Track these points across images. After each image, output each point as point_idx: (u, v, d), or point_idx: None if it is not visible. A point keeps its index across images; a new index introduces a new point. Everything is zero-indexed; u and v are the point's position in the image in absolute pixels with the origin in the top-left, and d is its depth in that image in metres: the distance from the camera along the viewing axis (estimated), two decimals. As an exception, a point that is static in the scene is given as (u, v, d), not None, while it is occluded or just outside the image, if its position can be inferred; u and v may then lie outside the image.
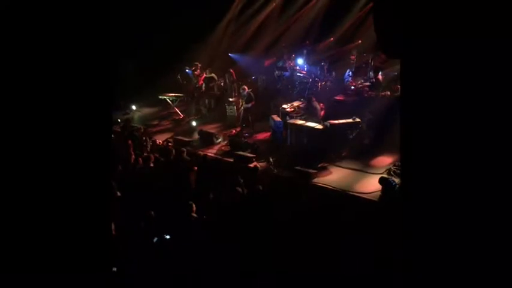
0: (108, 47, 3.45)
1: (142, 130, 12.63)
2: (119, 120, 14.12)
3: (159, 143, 11.75)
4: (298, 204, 7.84)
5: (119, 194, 8.14)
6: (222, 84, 14.92)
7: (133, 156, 9.90)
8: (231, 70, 14.52)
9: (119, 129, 12.49)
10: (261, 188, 8.18)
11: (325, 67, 13.61)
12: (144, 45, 15.27)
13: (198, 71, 14.66)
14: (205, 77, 14.59)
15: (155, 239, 7.02)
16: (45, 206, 3.12)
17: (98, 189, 3.31)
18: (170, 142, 11.90)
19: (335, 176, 9.58)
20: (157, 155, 10.23)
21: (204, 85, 14.53)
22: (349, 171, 9.77)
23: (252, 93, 12.82)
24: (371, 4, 11.54)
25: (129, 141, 10.49)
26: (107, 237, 3.48)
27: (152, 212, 7.38)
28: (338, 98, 12.44)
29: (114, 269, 5.83)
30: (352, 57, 13.49)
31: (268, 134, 11.98)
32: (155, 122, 14.36)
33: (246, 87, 12.92)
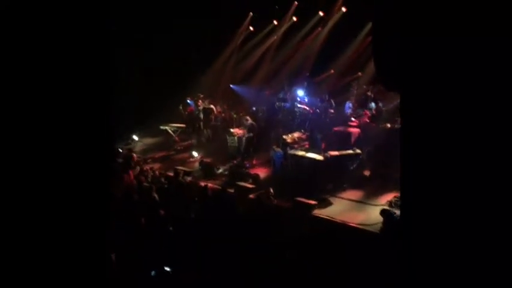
0: (108, 50, 3.46)
1: (145, 160, 12.69)
2: (120, 150, 14.18)
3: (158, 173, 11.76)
4: (299, 235, 7.78)
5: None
6: (223, 115, 15.08)
7: (134, 183, 9.92)
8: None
9: (121, 160, 12.50)
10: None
11: (326, 99, 13.76)
12: (145, 75, 15.48)
13: (200, 101, 14.81)
14: (204, 108, 14.73)
15: (153, 272, 6.95)
16: (41, 216, 3.09)
17: (96, 201, 3.28)
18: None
19: (336, 208, 9.52)
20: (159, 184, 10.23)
21: (203, 116, 14.66)
22: (350, 202, 9.72)
23: (254, 123, 12.92)
24: (370, 37, 11.76)
25: (131, 172, 10.51)
26: (103, 264, 3.43)
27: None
28: (338, 129, 12.52)
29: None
30: (354, 89, 13.67)
31: (269, 164, 11.99)
32: (156, 153, 14.41)
33: (248, 118, 13.04)
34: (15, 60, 3.12)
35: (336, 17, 15.12)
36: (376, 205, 9.20)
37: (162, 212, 8.75)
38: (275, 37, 16.37)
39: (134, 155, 13.10)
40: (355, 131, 12.09)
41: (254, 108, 14.95)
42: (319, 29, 15.56)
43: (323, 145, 11.76)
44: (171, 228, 8.10)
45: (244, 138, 12.96)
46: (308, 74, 15.23)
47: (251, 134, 12.75)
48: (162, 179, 10.95)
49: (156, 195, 9.04)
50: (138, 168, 11.35)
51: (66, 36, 3.21)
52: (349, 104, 13.18)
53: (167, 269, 7.06)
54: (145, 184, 10.00)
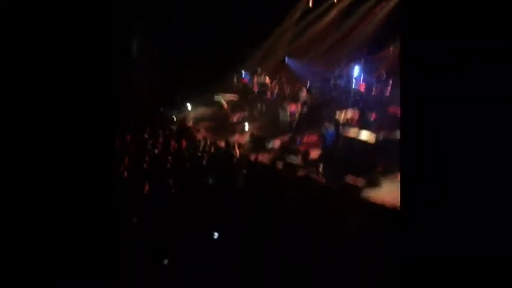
0: (108, 49, 3.49)
1: (198, 129, 12.94)
2: (174, 117, 14.54)
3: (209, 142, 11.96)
4: (345, 217, 7.80)
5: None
6: (276, 88, 15.03)
7: (185, 155, 10.19)
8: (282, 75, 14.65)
9: (175, 128, 12.85)
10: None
11: (383, 78, 13.41)
12: (203, 45, 15.62)
13: (256, 75, 14.82)
14: (258, 81, 14.73)
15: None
16: (43, 211, 3.21)
17: (98, 192, 3.37)
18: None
19: (385, 191, 9.42)
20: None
21: (256, 88, 14.68)
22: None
23: (308, 99, 12.85)
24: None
25: (183, 141, 10.78)
26: (107, 244, 3.51)
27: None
28: (393, 110, 12.22)
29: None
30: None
31: (320, 142, 11.94)
32: (208, 122, 14.64)
33: (305, 90, 12.95)
34: (16, 57, 3.20)
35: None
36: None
37: (210, 181, 9.00)
38: (335, 12, 15.97)
39: (188, 123, 13.47)
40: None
41: (308, 84, 14.80)
42: (383, 3, 15.04)
43: (375, 125, 11.54)
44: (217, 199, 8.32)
45: (297, 114, 12.92)
46: (366, 51, 14.84)
47: (305, 109, 12.69)
48: (213, 149, 11.18)
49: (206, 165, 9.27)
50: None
51: (66, 33, 3.26)
52: (406, 85, 12.78)
53: (215, 234, 7.34)
54: (197, 154, 10.25)
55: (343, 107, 12.81)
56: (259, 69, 14.93)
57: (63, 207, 3.30)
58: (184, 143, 10.73)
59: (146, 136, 11.28)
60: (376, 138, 10.33)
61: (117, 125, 6.56)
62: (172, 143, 10.76)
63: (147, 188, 8.23)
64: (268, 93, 14.80)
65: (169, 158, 9.73)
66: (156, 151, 10.37)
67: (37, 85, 3.29)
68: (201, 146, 11.32)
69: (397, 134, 10.48)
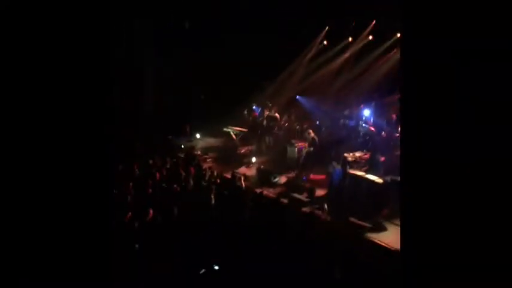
0: (108, 50, 3.50)
1: (205, 159, 12.97)
2: (183, 146, 14.61)
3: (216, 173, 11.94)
4: (348, 255, 7.65)
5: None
6: (285, 124, 15.12)
7: (191, 184, 10.14)
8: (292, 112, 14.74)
9: (183, 156, 12.88)
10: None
11: (392, 121, 13.46)
12: (214, 76, 15.85)
13: (267, 109, 14.94)
14: (268, 116, 14.82)
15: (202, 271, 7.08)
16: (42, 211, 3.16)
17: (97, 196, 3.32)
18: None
19: (390, 234, 9.26)
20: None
21: (266, 123, 14.75)
22: (406, 231, 9.42)
23: (316, 138, 12.86)
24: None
25: (191, 169, 10.76)
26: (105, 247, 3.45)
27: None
28: (402, 154, 12.21)
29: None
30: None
31: (326, 180, 11.88)
32: (216, 153, 14.67)
33: (311, 131, 13.00)
34: (16, 59, 3.22)
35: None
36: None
37: (215, 212, 8.92)
38: (348, 54, 16.22)
39: (196, 152, 13.50)
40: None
41: (318, 123, 14.88)
42: (394, 50, 15.25)
43: (383, 168, 11.48)
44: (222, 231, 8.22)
45: (304, 151, 12.93)
46: (377, 94, 14.96)
47: (311, 148, 12.71)
48: (218, 180, 11.14)
49: (212, 197, 9.20)
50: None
51: (66, 36, 3.28)
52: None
53: (216, 267, 7.19)
54: (203, 183, 10.20)
55: (352, 147, 12.81)
56: (269, 104, 15.06)
57: (59, 208, 3.26)
58: (192, 171, 10.71)
59: (151, 162, 11.29)
60: (384, 180, 10.23)
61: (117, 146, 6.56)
62: (180, 170, 10.74)
63: (151, 213, 8.15)
64: (277, 129, 14.87)
65: (175, 186, 9.69)
66: (160, 177, 10.34)
67: (36, 87, 3.28)
68: (207, 175, 11.30)
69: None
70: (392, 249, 8.63)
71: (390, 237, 9.13)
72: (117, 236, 7.24)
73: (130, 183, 9.40)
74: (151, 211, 8.16)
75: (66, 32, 3.31)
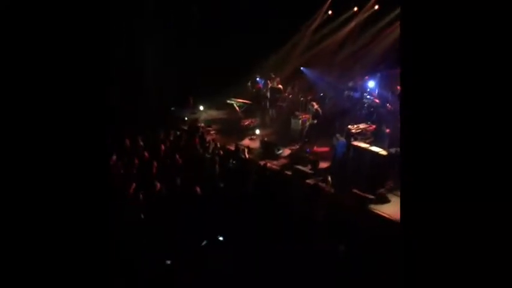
0: (107, 49, 3.47)
1: (209, 131, 12.95)
2: (186, 118, 14.56)
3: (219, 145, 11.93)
4: (352, 228, 7.70)
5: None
6: (289, 96, 15.01)
7: (201, 151, 10.17)
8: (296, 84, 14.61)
9: (187, 128, 12.85)
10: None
11: (397, 93, 13.33)
12: (219, 48, 15.67)
13: (270, 81, 14.81)
14: (271, 87, 14.71)
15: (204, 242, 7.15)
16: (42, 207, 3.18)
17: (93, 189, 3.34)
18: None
19: (393, 206, 9.30)
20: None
21: (270, 95, 14.65)
22: (409, 202, 9.46)
23: (319, 110, 12.79)
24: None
25: (197, 140, 10.77)
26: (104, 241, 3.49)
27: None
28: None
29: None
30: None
31: (330, 152, 11.86)
32: (220, 125, 14.64)
33: (314, 104, 12.91)
34: (16, 58, 3.19)
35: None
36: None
37: (220, 184, 8.95)
38: (353, 24, 15.95)
39: (199, 124, 13.45)
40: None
41: (322, 94, 14.76)
42: (399, 22, 14.97)
43: (388, 140, 11.43)
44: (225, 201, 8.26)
45: (308, 123, 12.89)
46: (382, 65, 14.76)
47: (315, 121, 12.65)
48: (222, 152, 11.14)
49: (217, 168, 9.21)
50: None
51: (66, 32, 3.24)
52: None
53: (220, 238, 7.27)
54: (207, 155, 10.20)
55: (357, 118, 12.74)
56: (273, 76, 14.91)
57: (57, 206, 3.28)
58: (197, 140, 10.71)
59: (157, 135, 11.26)
60: (388, 152, 10.19)
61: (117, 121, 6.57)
62: (183, 141, 10.74)
63: (158, 186, 8.17)
64: (281, 101, 14.78)
65: (178, 156, 9.68)
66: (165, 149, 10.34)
67: (36, 85, 3.27)
68: (211, 147, 11.29)
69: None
70: (394, 220, 8.70)
71: (392, 208, 9.18)
72: (122, 209, 7.31)
73: (136, 158, 9.40)
74: (158, 184, 8.18)
75: (66, 31, 3.30)
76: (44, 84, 3.21)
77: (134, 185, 8.18)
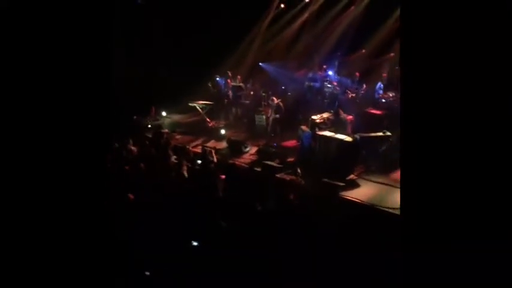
0: (108, 49, 3.45)
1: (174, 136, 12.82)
2: (149, 125, 14.34)
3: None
4: (326, 217, 7.76)
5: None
6: (251, 93, 15.01)
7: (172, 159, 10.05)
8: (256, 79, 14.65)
9: (151, 136, 12.66)
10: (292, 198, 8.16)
11: (356, 79, 13.54)
12: (175, 52, 15.51)
13: (230, 79, 14.76)
14: (233, 86, 14.67)
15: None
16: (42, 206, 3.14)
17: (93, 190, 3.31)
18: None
19: (363, 190, 9.45)
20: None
21: (232, 94, 14.61)
22: (378, 185, 9.62)
23: (281, 104, 12.83)
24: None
25: (163, 147, 10.64)
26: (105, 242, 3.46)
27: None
28: (369, 110, 12.34)
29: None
30: (384, 75, 13.39)
31: (297, 144, 11.92)
32: (184, 129, 14.48)
33: (275, 99, 12.95)
34: (16, 58, 3.13)
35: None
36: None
37: (189, 188, 8.85)
38: (306, 15, 16.05)
39: (163, 130, 13.26)
40: (385, 112, 11.92)
41: (283, 88, 14.81)
42: (352, 7, 15.18)
43: (351, 126, 11.58)
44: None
45: (271, 119, 12.92)
46: (339, 53, 14.95)
47: (277, 115, 12.69)
48: (189, 156, 11.02)
49: (185, 173, 9.10)
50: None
51: (66, 33, 3.19)
52: (380, 85, 12.93)
53: (194, 243, 7.18)
54: (173, 160, 10.08)
55: (319, 108, 12.84)
56: (230, 74, 14.88)
57: (55, 207, 3.25)
58: (163, 147, 10.57)
59: (117, 145, 11.02)
60: (353, 138, 10.32)
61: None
62: (149, 148, 10.58)
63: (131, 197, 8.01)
64: (244, 98, 14.76)
65: (144, 165, 9.52)
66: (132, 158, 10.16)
67: (36, 84, 3.23)
68: (177, 153, 11.14)
69: (374, 134, 10.57)
70: (365, 203, 8.83)
71: (362, 192, 9.32)
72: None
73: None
74: (131, 195, 8.01)
75: (66, 31, 3.26)
76: (44, 80, 3.19)
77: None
